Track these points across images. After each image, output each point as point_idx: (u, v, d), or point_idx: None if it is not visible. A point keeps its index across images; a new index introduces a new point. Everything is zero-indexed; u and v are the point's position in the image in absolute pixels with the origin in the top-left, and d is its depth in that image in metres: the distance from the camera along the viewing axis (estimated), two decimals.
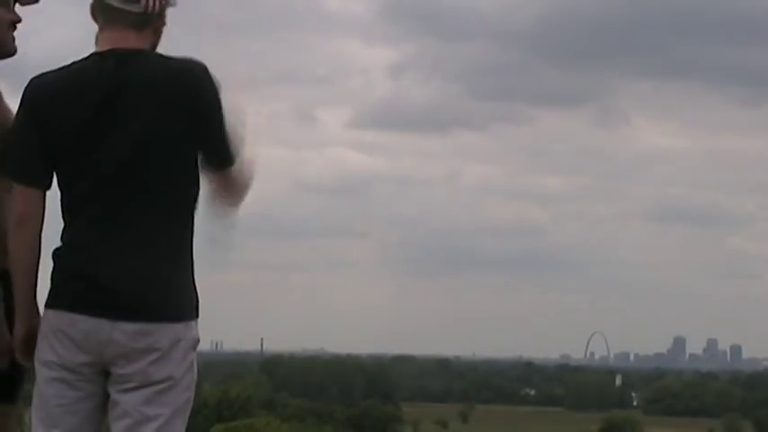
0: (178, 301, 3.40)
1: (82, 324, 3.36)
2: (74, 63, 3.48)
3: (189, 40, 4.17)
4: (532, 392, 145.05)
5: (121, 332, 3.34)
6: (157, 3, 3.51)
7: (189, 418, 3.49)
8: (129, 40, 3.47)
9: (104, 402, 3.44)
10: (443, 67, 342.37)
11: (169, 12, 3.59)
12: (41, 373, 3.44)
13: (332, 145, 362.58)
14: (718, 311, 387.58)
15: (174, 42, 3.57)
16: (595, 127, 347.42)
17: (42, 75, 3.47)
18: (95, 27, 3.55)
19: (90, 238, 3.39)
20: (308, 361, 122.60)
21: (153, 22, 3.53)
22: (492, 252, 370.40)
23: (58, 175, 3.44)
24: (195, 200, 3.48)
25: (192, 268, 3.48)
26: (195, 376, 3.49)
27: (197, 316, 3.47)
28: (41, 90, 3.44)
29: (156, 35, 3.55)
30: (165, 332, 3.36)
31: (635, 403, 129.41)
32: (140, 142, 3.37)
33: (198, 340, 3.47)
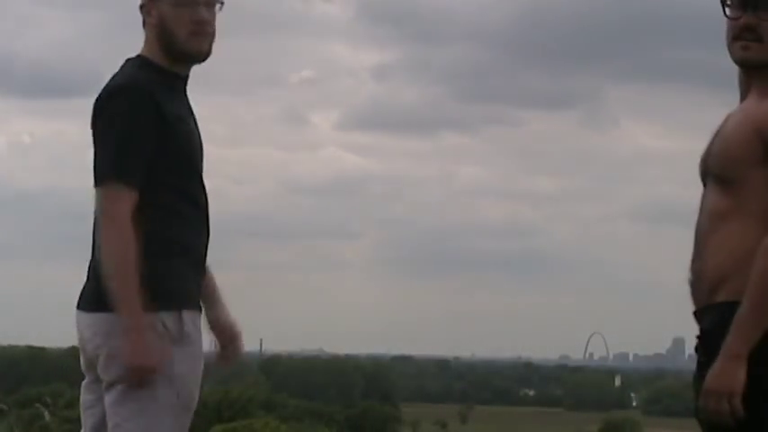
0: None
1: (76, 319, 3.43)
2: None
3: None
4: (531, 393, 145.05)
5: (81, 323, 3.38)
6: None
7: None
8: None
9: None
10: (427, 70, 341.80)
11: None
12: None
13: (323, 146, 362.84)
14: None
15: None
16: (585, 129, 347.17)
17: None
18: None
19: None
20: (306, 361, 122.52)
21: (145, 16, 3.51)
22: (490, 252, 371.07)
23: None
24: (152, 190, 3.41)
25: (158, 258, 3.35)
26: (179, 372, 3.37)
27: (164, 308, 3.34)
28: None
29: (151, 32, 3.49)
30: (111, 323, 3.28)
31: (634, 404, 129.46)
32: None
33: (173, 331, 3.35)
